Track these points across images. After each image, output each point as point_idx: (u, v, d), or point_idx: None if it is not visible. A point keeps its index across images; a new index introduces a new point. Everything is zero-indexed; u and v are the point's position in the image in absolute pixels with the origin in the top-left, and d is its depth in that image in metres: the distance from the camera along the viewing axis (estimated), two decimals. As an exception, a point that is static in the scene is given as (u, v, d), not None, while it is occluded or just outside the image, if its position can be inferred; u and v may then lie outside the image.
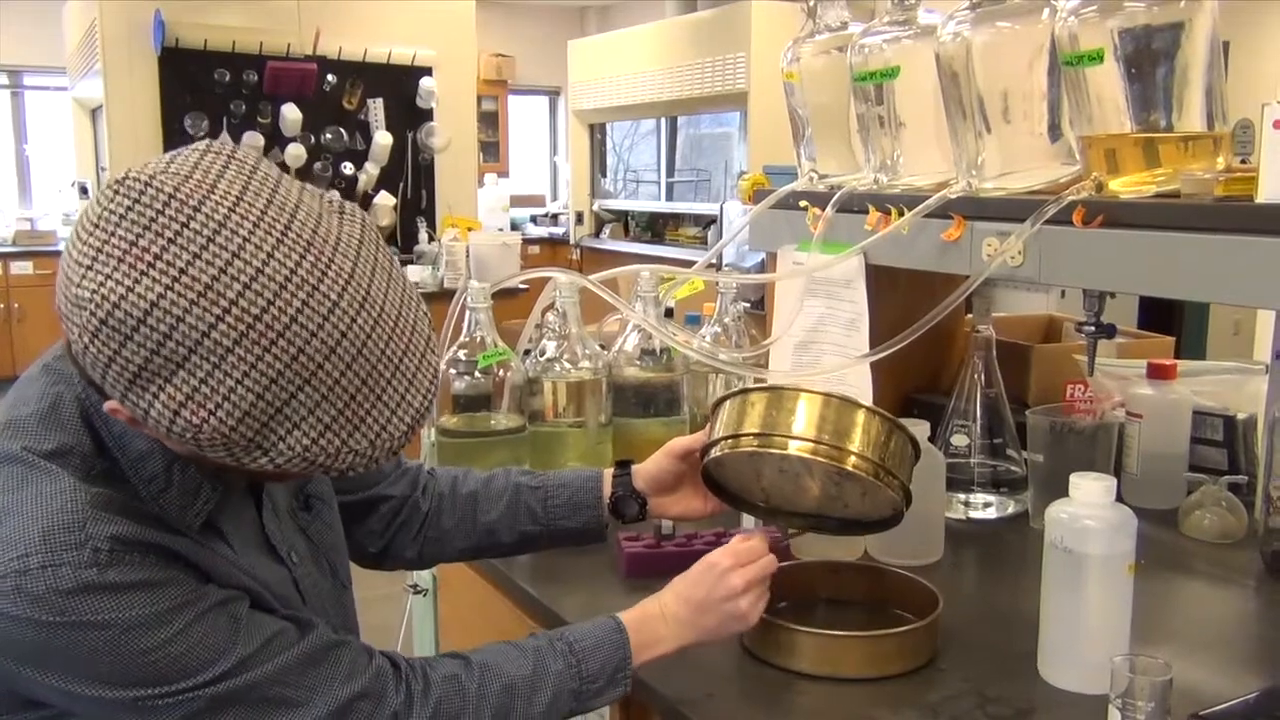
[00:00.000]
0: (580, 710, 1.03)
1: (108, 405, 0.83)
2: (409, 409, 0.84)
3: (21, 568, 0.81)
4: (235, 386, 0.76)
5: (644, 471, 1.27)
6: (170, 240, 0.76)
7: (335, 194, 0.90)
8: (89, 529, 0.82)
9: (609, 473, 1.28)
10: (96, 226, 0.77)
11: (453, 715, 0.97)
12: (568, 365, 1.59)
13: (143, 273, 0.75)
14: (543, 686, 1.01)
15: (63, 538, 0.82)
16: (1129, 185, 1.24)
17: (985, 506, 1.59)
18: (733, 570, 1.08)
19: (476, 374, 1.55)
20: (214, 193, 0.78)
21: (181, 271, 0.75)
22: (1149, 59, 1.19)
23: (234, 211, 0.78)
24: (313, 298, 0.78)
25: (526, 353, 1.67)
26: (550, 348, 1.60)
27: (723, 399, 1.21)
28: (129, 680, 0.84)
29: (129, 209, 0.77)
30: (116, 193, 0.78)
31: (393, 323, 0.83)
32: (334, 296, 0.79)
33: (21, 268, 7.08)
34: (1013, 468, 1.59)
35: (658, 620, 1.08)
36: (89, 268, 0.76)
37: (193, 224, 0.76)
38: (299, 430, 0.79)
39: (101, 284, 0.76)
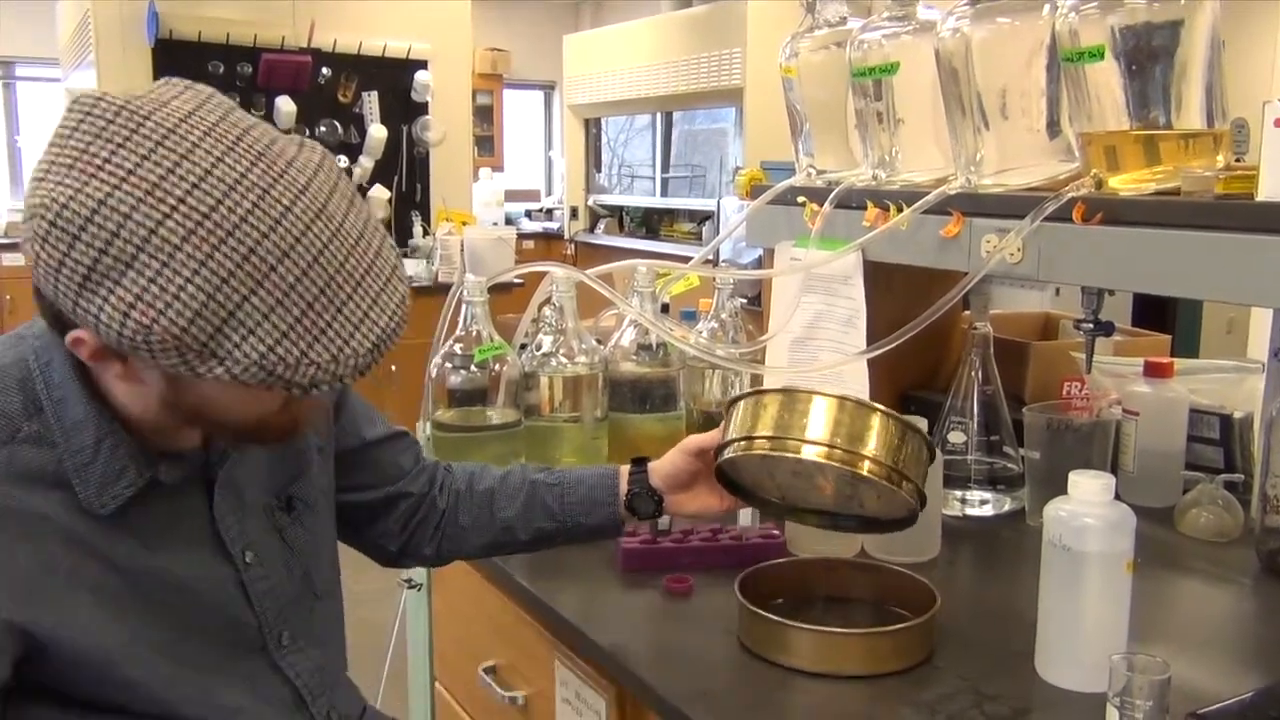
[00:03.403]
0: None
1: (70, 336, 0.83)
2: (373, 327, 0.83)
3: None
4: (185, 285, 0.76)
5: (659, 469, 1.26)
6: (119, 146, 0.77)
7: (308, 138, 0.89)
8: None
9: (625, 469, 1.27)
10: (51, 145, 0.79)
11: None
12: (564, 360, 1.58)
13: (91, 175, 0.76)
14: None
15: None
16: (1128, 182, 1.24)
17: (982, 504, 1.59)
18: None
19: (472, 368, 1.54)
20: (165, 106, 0.80)
21: (129, 172, 0.76)
22: (1149, 56, 1.19)
23: (184, 122, 0.79)
24: (264, 200, 0.78)
25: (523, 347, 1.67)
26: (546, 342, 1.59)
27: (736, 399, 1.20)
28: None
29: (80, 122, 0.79)
30: (71, 111, 0.80)
31: (353, 241, 0.83)
32: (286, 202, 0.79)
33: (14, 259, 7.03)
34: (1010, 465, 1.59)
35: None
36: (41, 180, 0.78)
37: (142, 130, 0.78)
38: (254, 336, 0.78)
39: (51, 189, 0.77)
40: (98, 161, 0.77)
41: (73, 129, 0.79)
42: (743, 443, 1.15)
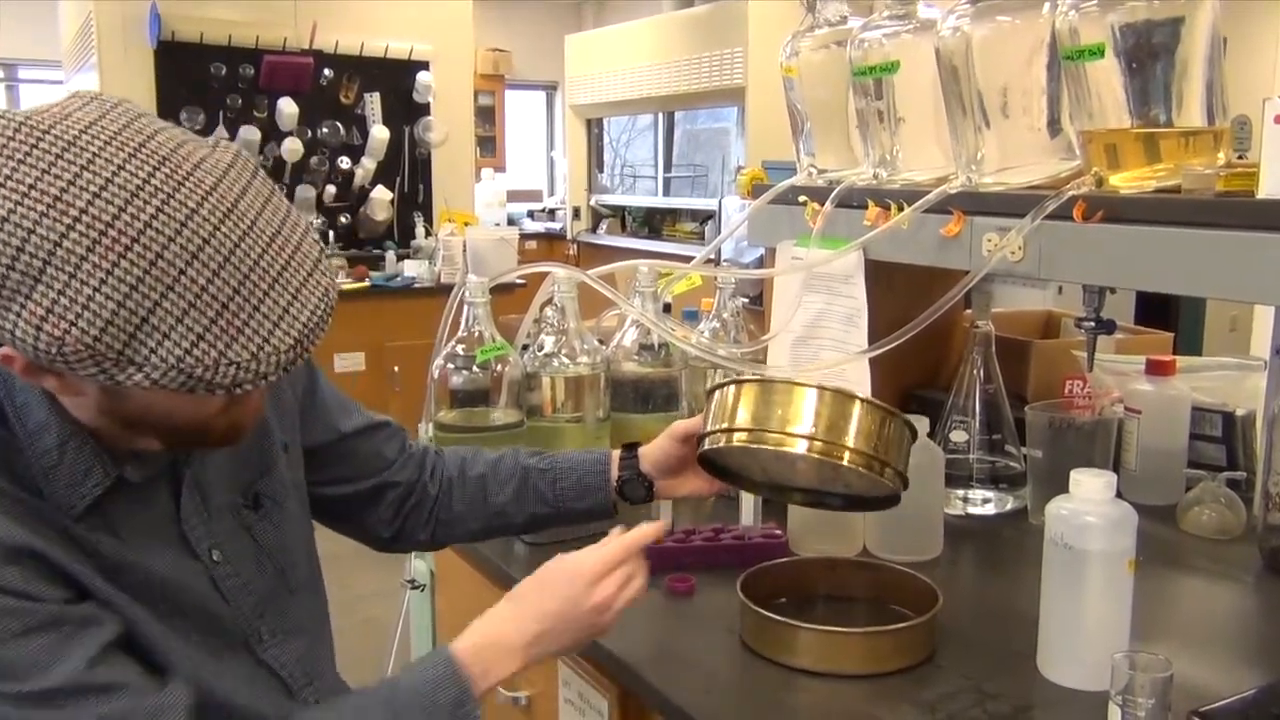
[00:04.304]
0: None
1: (1, 353, 0.82)
2: (294, 323, 0.83)
3: None
4: (93, 295, 0.76)
5: (649, 454, 1.27)
6: (19, 162, 0.77)
7: (224, 139, 0.89)
8: None
9: (616, 454, 1.29)
10: None
11: None
12: (566, 360, 1.58)
13: None
14: None
15: None
16: (1129, 180, 1.24)
17: (984, 502, 1.59)
18: (597, 583, 1.04)
19: (474, 369, 1.54)
20: (67, 119, 0.79)
21: (30, 187, 0.76)
22: (1149, 53, 1.19)
23: (85, 133, 0.79)
24: (167, 205, 0.78)
25: (524, 348, 1.67)
26: (548, 343, 1.59)
27: (714, 388, 1.20)
28: None
29: None
30: None
31: (268, 239, 0.82)
32: (191, 205, 0.79)
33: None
34: (1012, 464, 1.59)
35: (491, 641, 1.03)
36: None
37: (41, 145, 0.77)
38: (169, 340, 0.78)
39: None
40: (0, 176, 0.77)
41: None
42: (723, 435, 1.16)
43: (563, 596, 1.04)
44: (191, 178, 0.80)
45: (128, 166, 0.78)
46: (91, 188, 0.77)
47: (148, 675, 0.90)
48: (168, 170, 0.79)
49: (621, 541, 1.07)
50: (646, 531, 1.09)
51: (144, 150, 0.79)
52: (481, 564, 1.49)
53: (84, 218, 0.76)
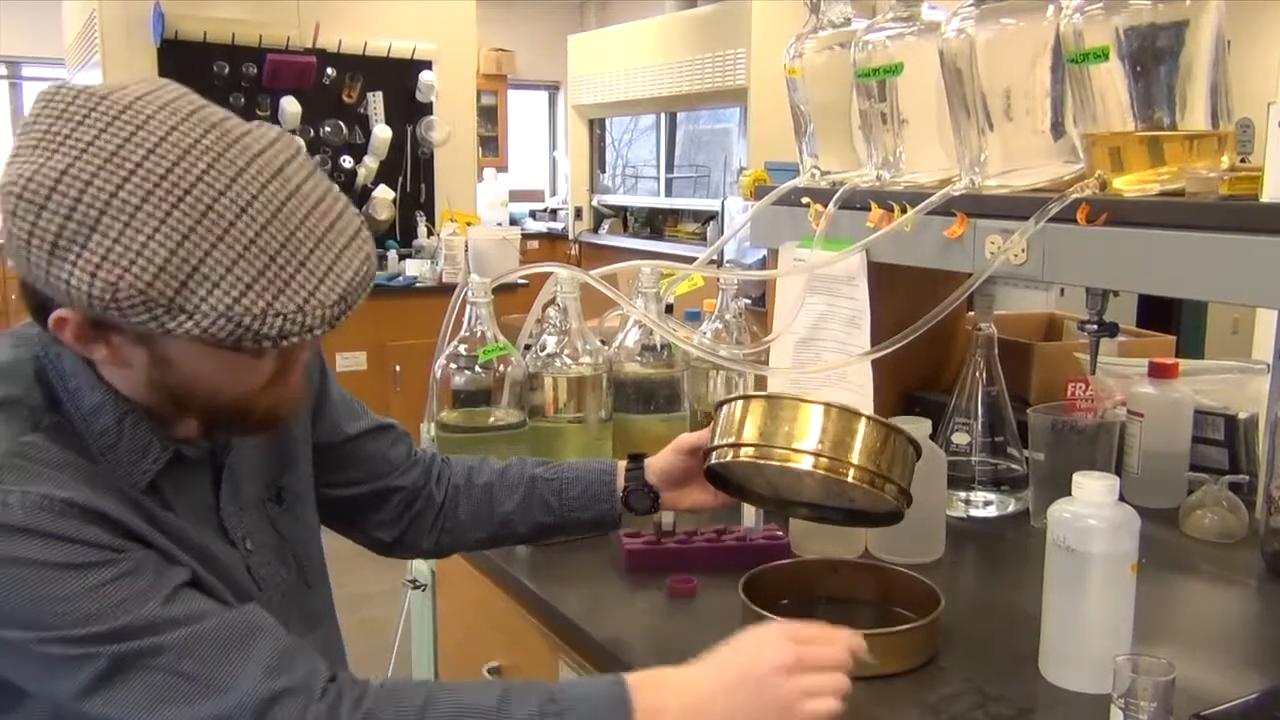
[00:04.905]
0: None
1: (53, 318, 0.86)
2: (338, 280, 0.86)
3: None
4: (147, 242, 0.80)
5: (655, 466, 1.27)
6: (79, 123, 0.82)
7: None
8: (1, 475, 0.84)
9: (622, 465, 1.29)
10: (17, 134, 0.85)
11: None
12: (568, 361, 1.58)
13: (53, 151, 0.81)
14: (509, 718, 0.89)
15: None
16: (1133, 183, 1.23)
17: (986, 505, 1.59)
18: (788, 643, 0.93)
19: (477, 369, 1.54)
20: (121, 90, 0.84)
21: (88, 145, 0.81)
22: (1154, 57, 1.19)
23: (140, 99, 0.84)
24: (218, 163, 0.83)
25: (527, 348, 1.67)
26: (551, 343, 1.59)
27: (723, 402, 1.22)
28: (28, 622, 0.83)
29: (44, 108, 0.84)
30: (35, 102, 0.85)
31: (313, 203, 0.87)
32: (240, 164, 0.83)
33: (19, 260, 7.06)
34: (1014, 466, 1.59)
35: (671, 684, 0.93)
36: (9, 164, 0.83)
37: (99, 108, 0.83)
38: (219, 289, 0.82)
39: (18, 168, 0.82)
40: (59, 138, 0.82)
41: (37, 115, 0.84)
42: (729, 449, 1.17)
43: (747, 651, 0.94)
44: (239, 143, 0.84)
45: (180, 128, 0.83)
46: (146, 145, 0.81)
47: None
48: (217, 134, 0.84)
49: (840, 640, 0.96)
50: (856, 644, 0.97)
51: (194, 117, 0.84)
52: (483, 564, 1.49)
53: (139, 171, 0.81)
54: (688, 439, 1.26)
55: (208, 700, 0.84)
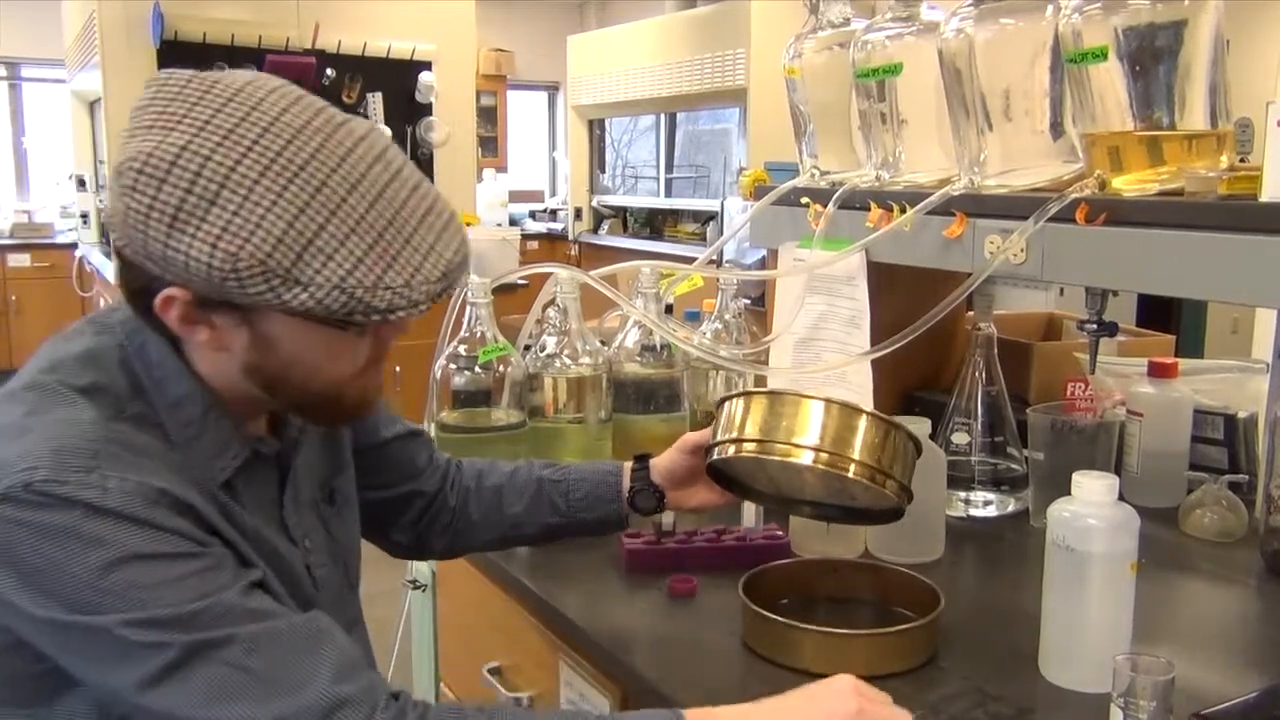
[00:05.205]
0: None
1: (160, 298, 0.88)
2: (440, 258, 0.90)
3: (27, 479, 0.83)
4: (265, 214, 0.83)
5: (660, 465, 1.28)
6: (194, 104, 0.86)
7: None
8: (100, 460, 0.85)
9: (628, 466, 1.30)
10: (131, 117, 0.88)
11: None
12: (568, 361, 1.58)
13: (171, 128, 0.85)
14: None
15: (73, 460, 0.84)
16: (1132, 183, 1.23)
17: (986, 505, 1.59)
18: (853, 694, 0.94)
19: (477, 369, 1.55)
20: (229, 76, 0.89)
21: (205, 123, 0.85)
22: (1152, 56, 1.19)
23: (249, 85, 0.88)
24: (328, 143, 0.87)
25: (527, 348, 1.67)
26: (550, 343, 1.59)
27: (725, 399, 1.22)
28: (110, 607, 0.83)
29: (156, 92, 0.88)
30: (146, 87, 0.89)
31: (412, 186, 0.90)
32: (348, 145, 0.88)
33: (19, 260, 7.06)
34: (1013, 466, 1.59)
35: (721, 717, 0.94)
36: (126, 143, 0.86)
37: (213, 91, 0.87)
38: (333, 261, 0.85)
39: (136, 146, 0.85)
40: (176, 117, 0.85)
41: (150, 99, 0.88)
42: (731, 445, 1.18)
43: (808, 697, 0.95)
44: (344, 127, 0.89)
45: (290, 110, 0.87)
46: (261, 124, 0.85)
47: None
48: (323, 119, 0.88)
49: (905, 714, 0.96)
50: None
51: (301, 101, 0.89)
52: (483, 564, 1.49)
53: (256, 148, 0.84)
54: (692, 438, 1.27)
55: (272, 700, 0.84)
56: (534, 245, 7.55)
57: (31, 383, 0.91)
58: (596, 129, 7.57)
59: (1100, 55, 1.20)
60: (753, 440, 1.16)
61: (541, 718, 0.94)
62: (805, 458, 1.13)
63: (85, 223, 6.18)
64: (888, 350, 1.47)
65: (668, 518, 1.40)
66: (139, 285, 0.90)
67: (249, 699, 0.84)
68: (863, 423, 1.13)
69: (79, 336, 0.96)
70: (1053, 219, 1.28)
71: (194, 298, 0.88)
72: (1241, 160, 1.21)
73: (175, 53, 4.82)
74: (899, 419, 1.22)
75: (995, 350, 1.58)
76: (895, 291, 1.59)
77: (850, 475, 1.12)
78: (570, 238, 7.62)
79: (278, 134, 0.85)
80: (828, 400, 1.15)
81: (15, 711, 0.92)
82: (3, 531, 0.83)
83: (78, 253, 6.41)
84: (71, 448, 0.85)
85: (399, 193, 0.89)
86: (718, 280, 1.79)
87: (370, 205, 0.86)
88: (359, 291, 0.85)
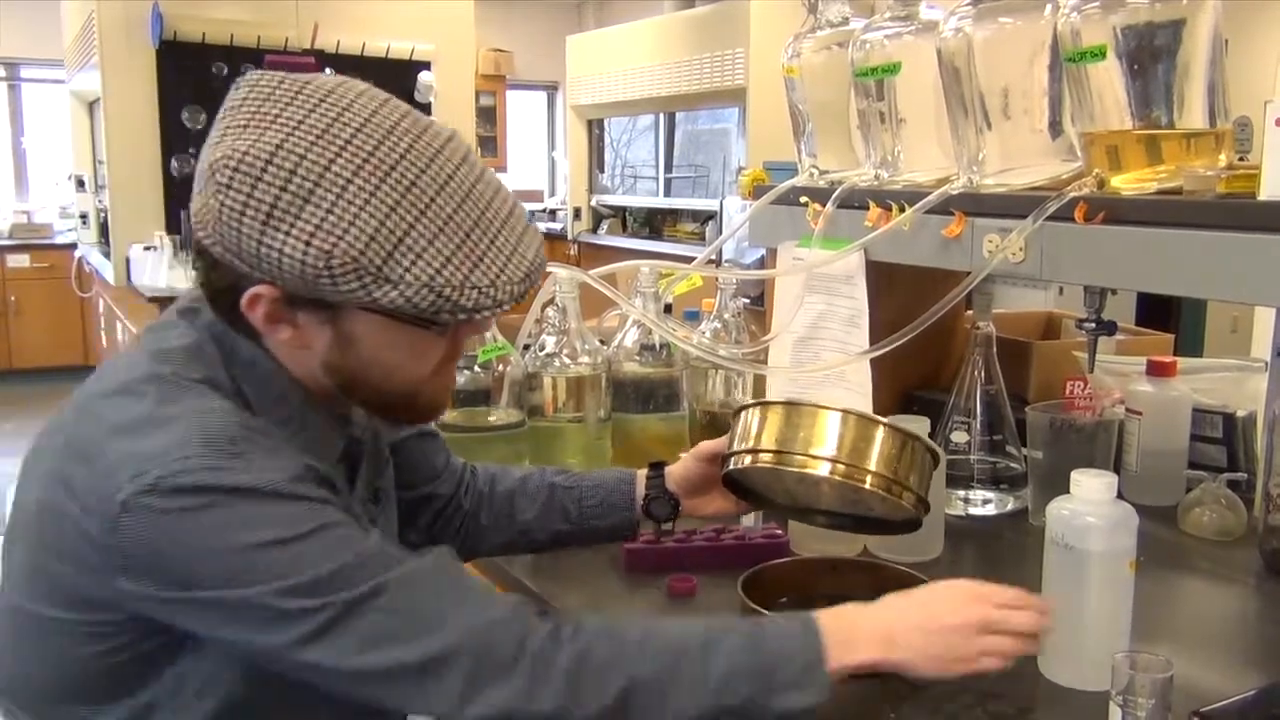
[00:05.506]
0: (763, 708, 0.91)
1: (247, 296, 0.89)
2: (522, 260, 0.92)
3: (183, 467, 0.85)
4: (359, 213, 0.85)
5: (675, 473, 1.30)
6: (287, 104, 0.88)
7: None
8: (243, 445, 0.87)
9: (642, 473, 1.31)
10: (221, 117, 0.90)
11: (605, 661, 0.89)
12: (567, 360, 1.59)
13: (265, 128, 0.87)
14: (715, 654, 0.91)
15: (223, 446, 0.87)
16: (1131, 182, 1.24)
17: (985, 503, 1.59)
18: (980, 604, 0.99)
19: (476, 369, 1.55)
20: (319, 78, 0.92)
21: (300, 123, 0.87)
22: (1151, 55, 1.19)
23: (339, 87, 0.91)
24: (416, 144, 0.89)
25: (526, 348, 1.67)
26: (550, 343, 1.60)
27: (742, 408, 1.23)
28: (266, 576, 0.85)
29: (248, 93, 0.90)
30: (236, 89, 0.92)
31: (494, 190, 0.93)
32: (435, 147, 0.90)
33: (18, 261, 7.06)
34: (1012, 464, 1.59)
35: (858, 619, 0.98)
36: (218, 143, 0.88)
37: (304, 92, 0.89)
38: (423, 260, 0.87)
39: (230, 145, 0.87)
40: (270, 117, 0.87)
41: (242, 99, 0.90)
42: (748, 455, 1.18)
43: (931, 602, 1.00)
44: (430, 130, 0.91)
45: (381, 112, 0.90)
46: (353, 124, 0.88)
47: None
48: (410, 121, 0.91)
49: (1032, 607, 1.01)
50: (1045, 614, 1.02)
51: (389, 104, 0.91)
52: (483, 564, 1.49)
53: (349, 148, 0.87)
54: (707, 446, 1.28)
55: (421, 639, 0.87)
56: (533, 245, 7.53)
57: (149, 374, 0.92)
58: (595, 129, 7.57)
59: (1099, 54, 1.20)
60: (769, 451, 1.16)
61: (691, 628, 0.94)
62: (822, 469, 1.13)
63: (84, 223, 6.17)
64: (887, 349, 1.47)
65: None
66: (225, 284, 0.91)
67: (398, 641, 0.86)
68: (880, 434, 1.14)
69: (173, 329, 0.98)
70: (1051, 218, 1.28)
71: (282, 295, 0.89)
72: (1240, 159, 1.21)
73: (174, 53, 4.82)
74: (897, 419, 1.22)
75: (994, 349, 1.58)
76: (894, 290, 1.59)
77: (867, 487, 1.12)
78: (569, 237, 7.62)
79: (369, 134, 0.87)
80: (845, 411, 1.15)
81: (76, 711, 0.94)
82: (166, 520, 0.84)
83: (77, 253, 6.40)
84: (217, 435, 0.87)
85: (483, 195, 0.91)
86: (717, 280, 1.79)
87: (458, 206, 0.89)
88: (447, 290, 0.87)
